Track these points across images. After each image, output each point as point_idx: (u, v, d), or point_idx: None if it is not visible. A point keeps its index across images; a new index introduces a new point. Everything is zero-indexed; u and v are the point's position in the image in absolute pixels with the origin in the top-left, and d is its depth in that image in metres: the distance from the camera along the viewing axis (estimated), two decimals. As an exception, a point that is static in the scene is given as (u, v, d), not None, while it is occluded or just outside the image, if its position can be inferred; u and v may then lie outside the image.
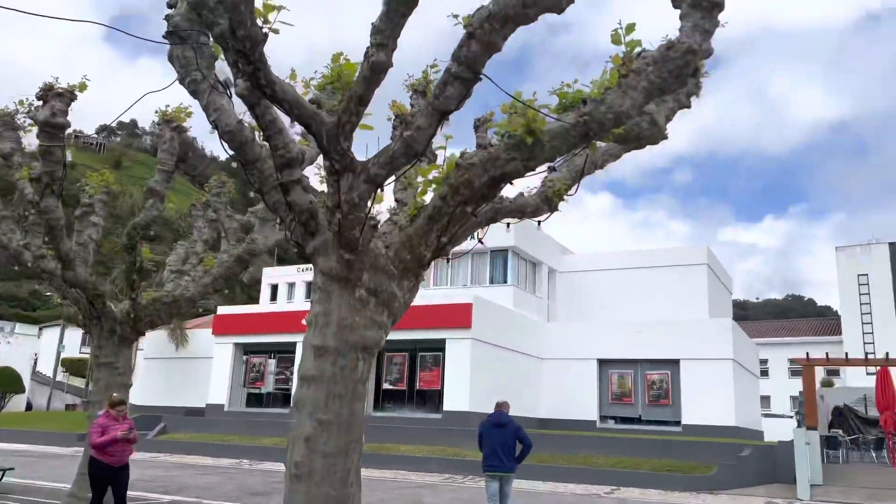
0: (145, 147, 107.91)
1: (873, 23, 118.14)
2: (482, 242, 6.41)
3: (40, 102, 8.79)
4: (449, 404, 20.16)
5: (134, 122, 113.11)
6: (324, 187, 5.49)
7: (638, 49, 5.04)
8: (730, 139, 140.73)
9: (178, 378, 29.23)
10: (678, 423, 22.36)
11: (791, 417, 33.15)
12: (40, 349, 48.40)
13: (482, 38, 4.50)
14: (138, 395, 25.28)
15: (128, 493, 8.52)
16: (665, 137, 6.41)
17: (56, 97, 8.66)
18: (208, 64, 5.60)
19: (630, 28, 4.91)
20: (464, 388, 19.40)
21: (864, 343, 40.48)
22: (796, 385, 33.32)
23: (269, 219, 10.66)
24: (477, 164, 5.21)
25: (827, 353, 21.60)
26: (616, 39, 5.03)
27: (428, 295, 22.80)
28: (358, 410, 5.16)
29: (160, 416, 25.28)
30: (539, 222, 6.86)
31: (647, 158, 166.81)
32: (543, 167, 5.88)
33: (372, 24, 4.54)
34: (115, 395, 8.98)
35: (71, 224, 10.91)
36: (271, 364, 25.66)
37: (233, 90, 4.86)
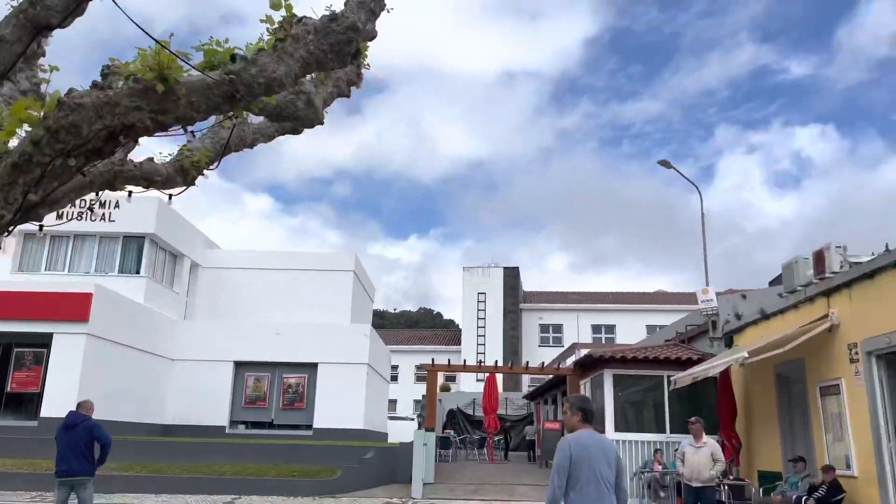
0: None
1: (509, 80, 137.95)
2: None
3: None
4: (48, 410, 17.10)
5: None
6: None
7: (300, 15, 4.64)
8: (387, 160, 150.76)
9: None
10: (310, 426, 22.36)
11: (413, 420, 35.91)
12: None
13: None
14: None
15: None
16: (321, 122, 6.08)
17: None
18: None
19: (291, -9, 4.46)
20: (71, 392, 16.57)
21: (478, 353, 46.14)
22: (421, 389, 36.29)
23: None
24: (88, 105, 4.14)
25: (449, 360, 23.77)
26: (276, 5, 4.56)
27: (35, 280, 19.32)
28: None
29: None
30: (170, 196, 5.98)
31: (312, 165, 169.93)
32: (180, 131, 5.08)
33: None
34: None
35: None
36: None
37: None
